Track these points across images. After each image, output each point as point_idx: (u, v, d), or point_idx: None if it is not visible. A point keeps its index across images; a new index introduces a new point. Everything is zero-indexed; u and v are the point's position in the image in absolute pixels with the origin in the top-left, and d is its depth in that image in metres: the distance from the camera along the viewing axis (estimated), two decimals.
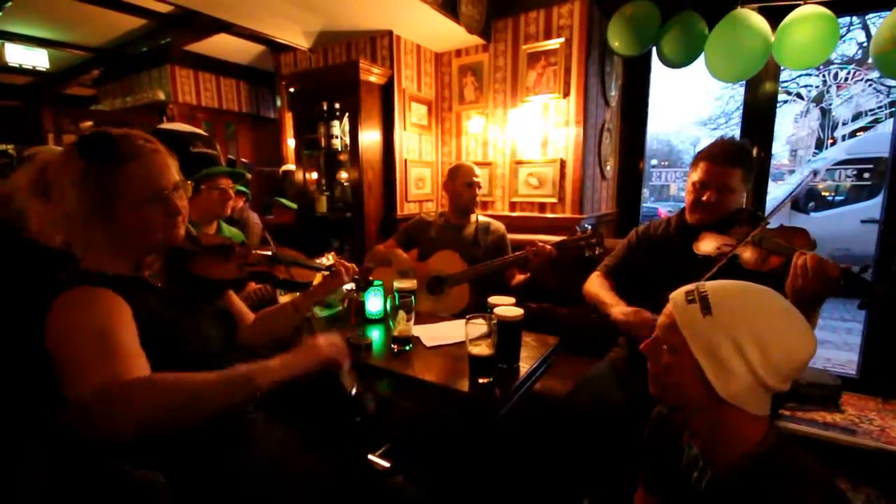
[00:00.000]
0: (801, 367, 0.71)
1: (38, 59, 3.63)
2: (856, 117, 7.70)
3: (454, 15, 2.46)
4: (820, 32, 1.96)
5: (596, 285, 1.72)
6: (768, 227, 1.35)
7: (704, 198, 1.48)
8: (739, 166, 1.45)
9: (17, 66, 3.58)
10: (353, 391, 0.97)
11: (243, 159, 3.53)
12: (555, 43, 2.56)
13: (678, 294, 0.78)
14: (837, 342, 4.00)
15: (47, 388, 0.90)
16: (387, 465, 1.97)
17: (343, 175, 2.84)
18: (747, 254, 1.32)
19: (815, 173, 2.08)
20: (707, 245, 1.45)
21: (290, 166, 3.24)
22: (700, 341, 0.72)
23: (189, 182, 1.04)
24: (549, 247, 1.92)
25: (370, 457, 1.99)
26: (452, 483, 1.77)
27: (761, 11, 2.12)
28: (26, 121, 4.40)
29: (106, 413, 0.71)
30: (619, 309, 1.53)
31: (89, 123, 4.19)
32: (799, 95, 8.81)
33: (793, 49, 2.05)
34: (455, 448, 1.83)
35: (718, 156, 1.46)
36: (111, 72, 4.09)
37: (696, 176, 1.51)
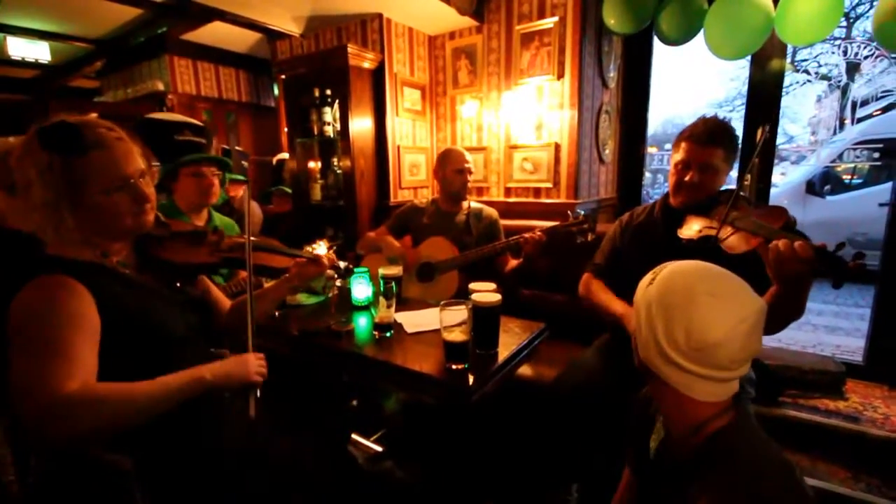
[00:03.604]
0: (707, 349, 0.68)
1: (39, 51, 3.66)
2: (872, 98, 7.38)
3: None
4: (823, 6, 1.86)
5: (596, 291, 1.66)
6: (750, 206, 1.31)
7: (687, 178, 1.45)
8: (720, 145, 1.41)
9: (20, 59, 3.62)
10: (252, 414, 1.01)
11: (238, 148, 3.53)
12: (548, 22, 2.48)
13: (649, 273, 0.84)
14: (848, 328, 3.89)
15: None
16: (379, 449, 1.99)
17: (336, 162, 2.83)
18: (725, 236, 1.29)
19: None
20: (689, 229, 1.42)
21: (285, 155, 3.24)
22: (637, 307, 0.80)
23: (154, 167, 1.04)
24: (538, 234, 1.90)
25: (364, 441, 2.01)
26: (442, 467, 1.78)
27: None
28: (34, 114, 4.48)
29: (38, 427, 0.72)
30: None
31: (94, 115, 4.24)
32: (808, 72, 8.48)
33: (795, 23, 1.95)
34: (444, 434, 1.83)
35: (699, 135, 1.42)
36: (113, 63, 4.11)
37: (678, 156, 1.48)
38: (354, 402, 2.23)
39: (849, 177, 6.08)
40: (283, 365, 1.71)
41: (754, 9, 2.01)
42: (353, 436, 2.01)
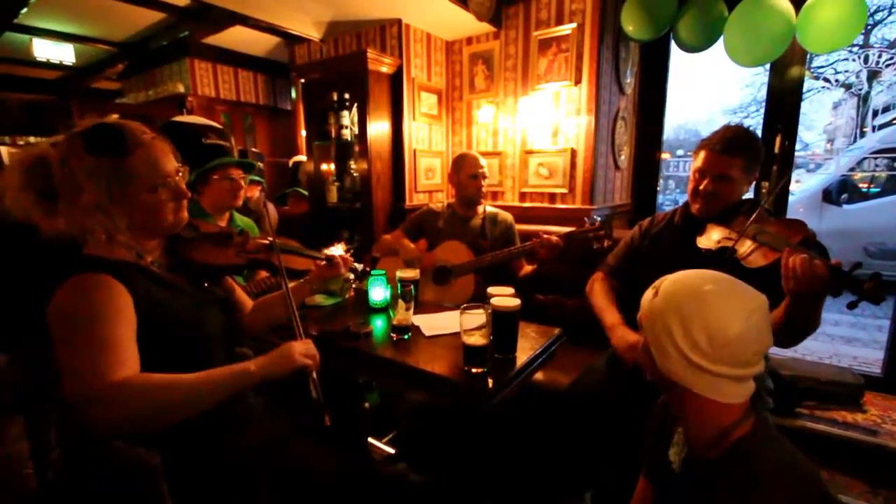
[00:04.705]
0: (728, 345, 0.70)
1: (64, 53, 3.75)
2: (892, 107, 7.27)
3: (462, 2, 2.42)
4: (846, 13, 1.85)
5: (597, 294, 1.68)
6: (769, 217, 1.31)
7: (702, 186, 1.44)
8: (739, 156, 1.39)
9: (45, 60, 3.70)
10: (315, 396, 1.02)
11: (254, 149, 3.58)
12: (567, 28, 2.49)
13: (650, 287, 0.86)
14: (866, 339, 3.83)
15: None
16: (392, 451, 2.01)
17: (353, 165, 2.86)
18: (743, 248, 1.28)
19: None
20: (708, 239, 1.41)
21: (301, 157, 3.28)
22: (646, 322, 0.81)
23: (186, 166, 1.07)
24: (555, 238, 1.90)
25: (376, 443, 2.03)
26: (455, 471, 1.78)
27: None
28: (57, 114, 4.59)
29: (90, 412, 0.75)
30: (619, 335, 1.48)
31: (115, 116, 4.32)
32: (827, 80, 8.38)
33: (817, 31, 1.94)
34: (457, 438, 1.84)
35: (717, 144, 1.41)
36: (134, 66, 4.19)
37: (696, 164, 1.48)
38: (367, 405, 2.24)
39: (865, 185, 5.99)
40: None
41: (776, 16, 2.01)
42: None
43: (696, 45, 2.27)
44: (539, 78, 2.64)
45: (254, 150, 3.64)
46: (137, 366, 0.83)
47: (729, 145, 1.39)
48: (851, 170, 5.93)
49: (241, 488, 1.04)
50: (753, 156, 1.42)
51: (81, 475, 0.99)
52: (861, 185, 6.02)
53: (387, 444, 2.05)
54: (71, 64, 3.90)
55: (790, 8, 2.01)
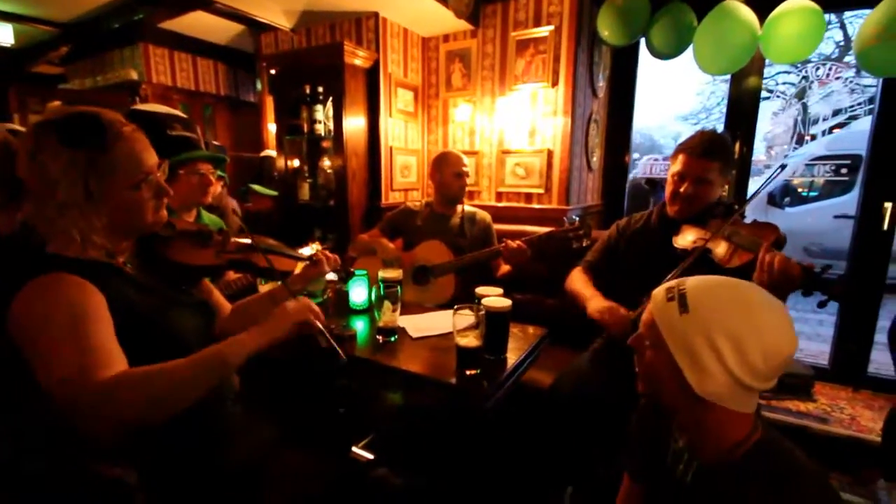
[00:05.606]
0: (782, 364, 0.68)
1: (1, 34, 3.42)
2: (834, 114, 7.92)
3: None
4: (806, 26, 1.97)
5: (576, 280, 1.74)
6: (743, 221, 1.37)
7: (682, 189, 1.49)
8: (717, 159, 1.46)
9: None
10: (325, 346, 1.00)
11: (216, 143, 3.41)
12: (544, 30, 2.52)
13: (659, 291, 0.77)
14: (809, 333, 4.13)
15: (16, 379, 0.85)
16: (370, 456, 1.95)
17: (326, 162, 2.77)
18: (719, 248, 1.34)
19: (782, 167, 2.10)
20: (684, 239, 1.47)
21: (271, 152, 3.15)
22: (677, 340, 0.71)
23: (165, 161, 0.99)
24: (516, 244, 1.91)
25: (353, 448, 1.97)
26: (437, 474, 1.76)
27: (750, 4, 2.13)
28: None
29: (86, 414, 0.69)
30: (595, 304, 1.54)
31: (57, 103, 3.99)
32: (770, 90, 9.04)
33: (779, 43, 2.05)
34: (440, 439, 1.81)
35: (696, 148, 1.47)
36: (80, 49, 3.87)
37: (675, 167, 1.53)
38: (342, 410, 2.18)
39: (804, 189, 6.45)
40: (277, 372, 1.66)
41: (741, 27, 2.11)
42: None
43: (668, 53, 2.36)
44: (516, 78, 2.65)
45: (215, 143, 3.47)
46: (125, 363, 0.77)
47: (709, 148, 1.46)
48: (803, 175, 6.38)
49: (228, 502, 0.99)
50: (728, 159, 1.51)
51: (51, 491, 0.90)
52: (800, 189, 6.48)
53: (364, 448, 2.00)
54: (8, 45, 3.56)
55: (755, 19, 2.11)
